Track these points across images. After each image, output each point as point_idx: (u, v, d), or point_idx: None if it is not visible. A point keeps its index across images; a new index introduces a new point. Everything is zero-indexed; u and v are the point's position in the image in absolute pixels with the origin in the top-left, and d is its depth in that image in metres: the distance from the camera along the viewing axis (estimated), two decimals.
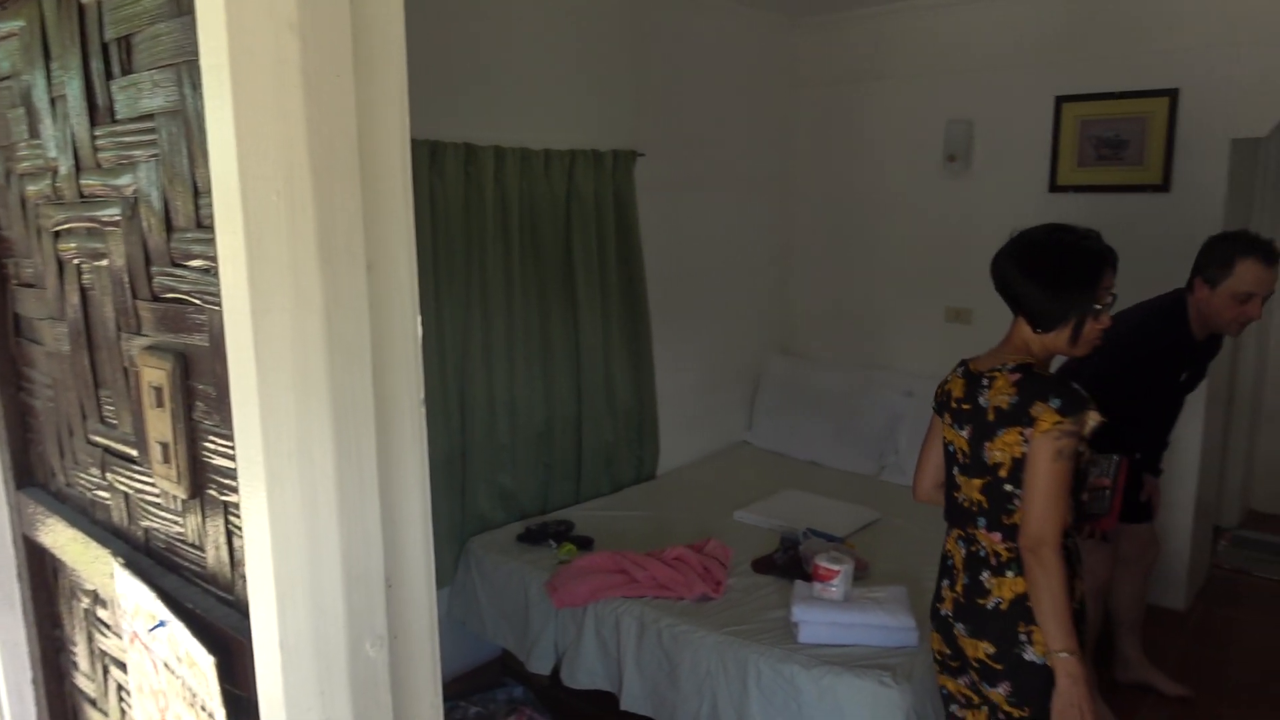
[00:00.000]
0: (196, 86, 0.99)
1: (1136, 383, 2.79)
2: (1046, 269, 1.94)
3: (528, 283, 3.58)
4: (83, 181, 1.27)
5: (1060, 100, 3.99)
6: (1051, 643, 1.86)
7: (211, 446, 1.09)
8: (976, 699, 2.06)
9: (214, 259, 0.98)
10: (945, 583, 2.11)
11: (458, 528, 3.45)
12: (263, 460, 0.91)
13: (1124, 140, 3.85)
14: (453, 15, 3.22)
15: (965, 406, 2.03)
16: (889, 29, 4.47)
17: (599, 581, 3.00)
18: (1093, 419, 1.88)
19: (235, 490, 1.03)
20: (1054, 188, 4.05)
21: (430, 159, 3.16)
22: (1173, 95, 3.70)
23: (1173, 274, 3.67)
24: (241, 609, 1.06)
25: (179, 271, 1.10)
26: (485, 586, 3.34)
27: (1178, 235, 3.73)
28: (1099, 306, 1.92)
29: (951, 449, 2.08)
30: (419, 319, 1.02)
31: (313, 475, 0.93)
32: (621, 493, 4.02)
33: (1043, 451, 1.84)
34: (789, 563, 3.14)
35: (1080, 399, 1.86)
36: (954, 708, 2.15)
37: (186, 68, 1.01)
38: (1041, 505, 1.84)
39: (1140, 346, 2.83)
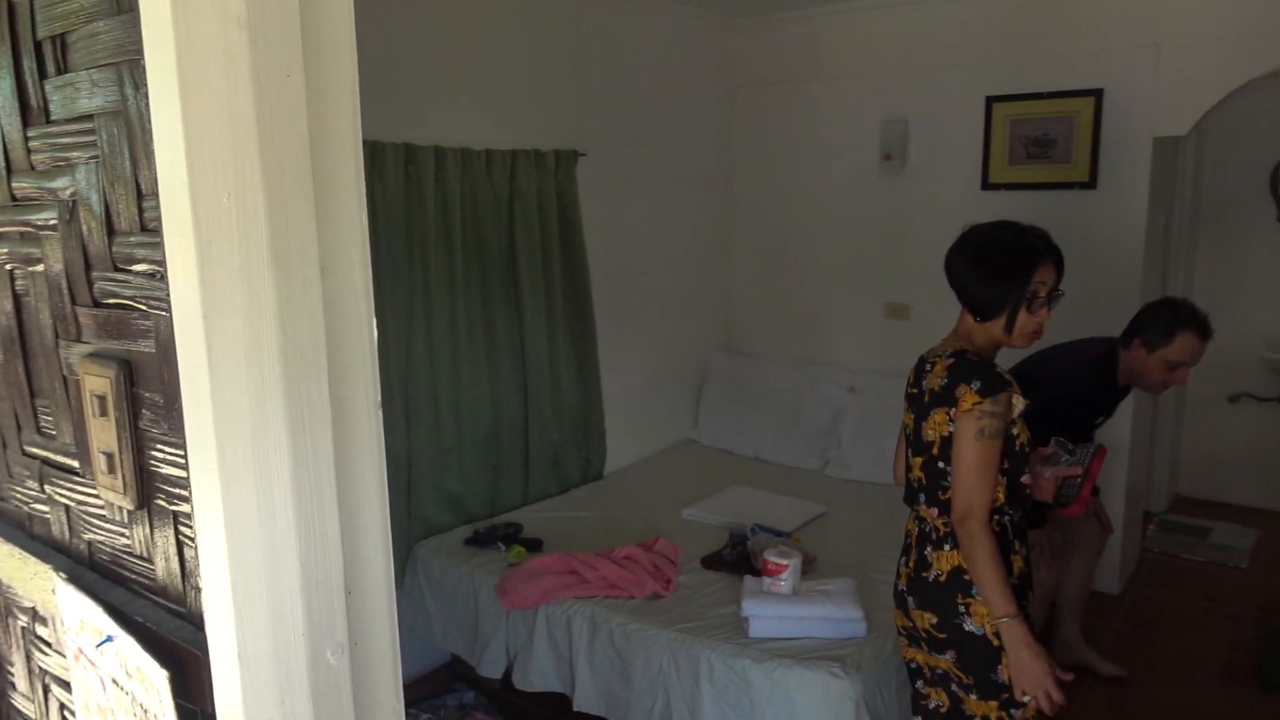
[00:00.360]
0: (139, 86, 0.97)
1: (1059, 419, 2.92)
2: (984, 260, 2.04)
3: (471, 284, 3.55)
4: (14, 184, 1.22)
5: (991, 100, 4.09)
6: (993, 610, 1.94)
7: (160, 455, 1.06)
8: (938, 668, 2.13)
9: (159, 263, 0.96)
10: (903, 560, 2.20)
11: (404, 533, 3.40)
12: (217, 467, 0.89)
13: (1052, 139, 3.96)
14: (391, 14, 3.18)
15: (914, 391, 2.14)
16: (825, 30, 4.54)
17: (550, 583, 2.99)
18: (1018, 402, 1.98)
19: (186, 500, 1.01)
20: (986, 185, 4.16)
21: (370, 159, 3.12)
22: (1098, 95, 3.82)
23: (1099, 269, 3.80)
24: (195, 621, 1.04)
25: (122, 276, 1.07)
26: (434, 591, 3.31)
27: (1105, 230, 3.86)
28: (1034, 299, 2.00)
29: (907, 431, 2.19)
30: (374, 321, 1.01)
31: (269, 481, 0.91)
32: (569, 493, 4.01)
33: (966, 430, 1.94)
34: (738, 559, 3.17)
35: (1000, 382, 1.95)
36: (919, 684, 2.22)
37: (128, 67, 0.99)
38: (967, 481, 1.94)
39: (1075, 397, 3.02)
